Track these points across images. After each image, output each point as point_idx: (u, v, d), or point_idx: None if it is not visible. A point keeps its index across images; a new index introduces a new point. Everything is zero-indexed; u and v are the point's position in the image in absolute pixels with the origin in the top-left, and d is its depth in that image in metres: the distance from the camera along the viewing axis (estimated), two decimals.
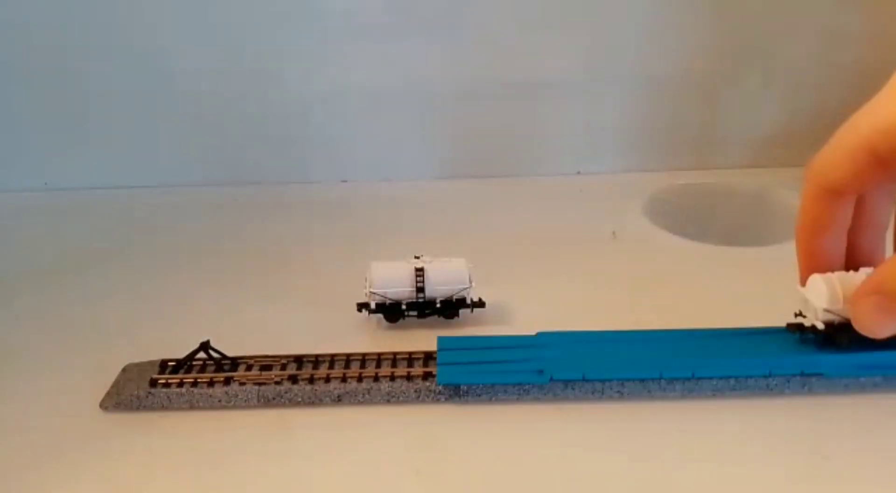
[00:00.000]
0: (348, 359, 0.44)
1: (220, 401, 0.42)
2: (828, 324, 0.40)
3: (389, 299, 0.49)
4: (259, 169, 0.78)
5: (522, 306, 0.52)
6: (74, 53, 0.71)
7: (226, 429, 0.41)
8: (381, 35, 0.71)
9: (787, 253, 0.59)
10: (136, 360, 0.45)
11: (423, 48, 0.71)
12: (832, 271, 0.36)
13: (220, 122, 0.75)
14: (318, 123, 0.75)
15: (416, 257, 0.49)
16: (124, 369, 0.45)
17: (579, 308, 0.52)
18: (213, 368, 0.44)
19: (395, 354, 0.45)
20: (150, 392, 0.42)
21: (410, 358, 0.44)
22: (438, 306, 0.49)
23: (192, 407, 0.42)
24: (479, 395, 0.42)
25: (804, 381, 0.41)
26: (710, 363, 0.41)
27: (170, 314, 0.53)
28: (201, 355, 0.44)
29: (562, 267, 0.58)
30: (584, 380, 0.41)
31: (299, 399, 0.42)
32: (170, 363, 0.44)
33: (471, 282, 0.49)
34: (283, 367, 0.44)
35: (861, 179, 0.32)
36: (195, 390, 0.42)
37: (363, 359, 0.45)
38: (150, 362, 0.45)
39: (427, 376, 0.42)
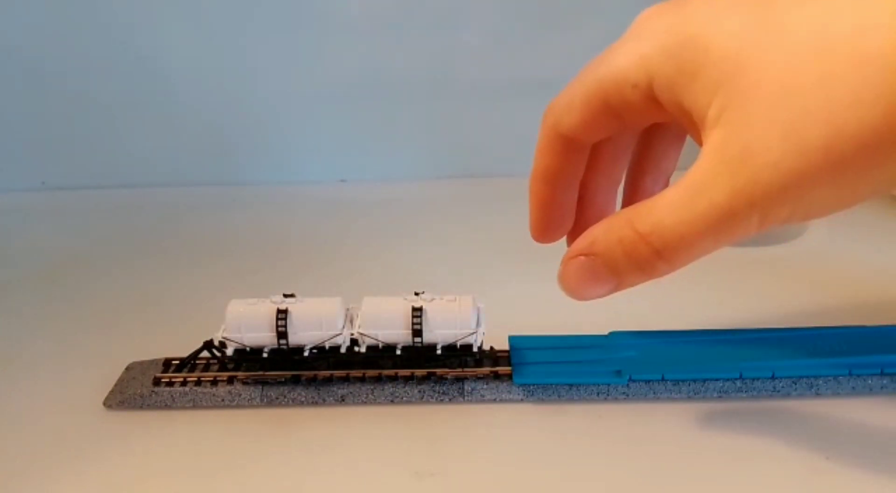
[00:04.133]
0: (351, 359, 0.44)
1: (223, 400, 0.42)
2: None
3: (248, 346, 0.41)
4: (258, 169, 0.77)
5: (523, 306, 0.52)
6: (72, 54, 0.71)
7: (229, 428, 0.41)
8: (380, 34, 0.71)
9: (788, 253, 0.60)
10: (140, 359, 0.45)
11: (423, 47, 0.71)
12: (563, 222, 0.34)
13: (220, 122, 0.75)
14: (316, 123, 0.75)
15: (286, 296, 0.42)
16: (128, 368, 0.44)
17: (580, 309, 0.51)
18: (216, 367, 0.44)
19: None
20: (153, 391, 0.42)
21: None
22: (306, 355, 0.41)
23: (195, 406, 0.42)
24: (483, 395, 0.42)
25: (811, 383, 0.41)
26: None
27: (173, 313, 0.53)
28: (205, 353, 0.44)
29: None
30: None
31: (302, 399, 0.42)
32: (173, 362, 0.44)
33: (347, 326, 0.41)
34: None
35: (593, 128, 0.30)
36: (198, 389, 0.42)
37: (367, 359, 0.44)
38: (154, 361, 0.44)
39: (430, 376, 0.42)
